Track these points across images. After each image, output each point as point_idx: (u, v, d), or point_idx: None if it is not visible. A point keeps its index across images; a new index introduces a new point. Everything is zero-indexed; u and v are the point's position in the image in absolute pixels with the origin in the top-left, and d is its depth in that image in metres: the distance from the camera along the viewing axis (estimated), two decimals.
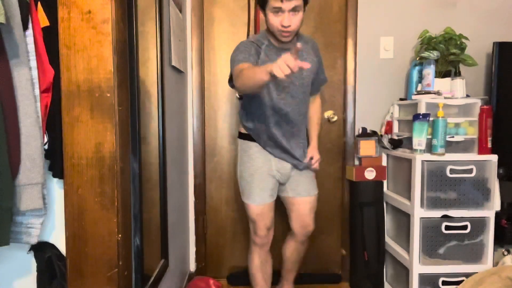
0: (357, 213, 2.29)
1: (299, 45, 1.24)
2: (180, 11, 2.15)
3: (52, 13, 1.12)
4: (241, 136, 1.88)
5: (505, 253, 2.10)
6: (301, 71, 1.74)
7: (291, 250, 1.99)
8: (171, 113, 1.93)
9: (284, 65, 1.22)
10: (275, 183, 1.84)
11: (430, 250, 1.93)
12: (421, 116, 1.92)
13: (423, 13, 2.41)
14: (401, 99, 2.30)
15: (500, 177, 1.98)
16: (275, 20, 1.59)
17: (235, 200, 2.49)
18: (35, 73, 1.10)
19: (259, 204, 1.80)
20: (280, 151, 1.81)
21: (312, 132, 1.97)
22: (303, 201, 1.88)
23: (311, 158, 1.88)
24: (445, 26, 2.26)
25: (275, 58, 1.68)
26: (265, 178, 1.80)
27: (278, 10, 1.56)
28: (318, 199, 2.50)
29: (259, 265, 1.90)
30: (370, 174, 2.25)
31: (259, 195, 1.80)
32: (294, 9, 1.55)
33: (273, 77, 1.30)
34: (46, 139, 1.17)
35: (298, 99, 1.78)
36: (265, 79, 1.34)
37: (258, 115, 1.78)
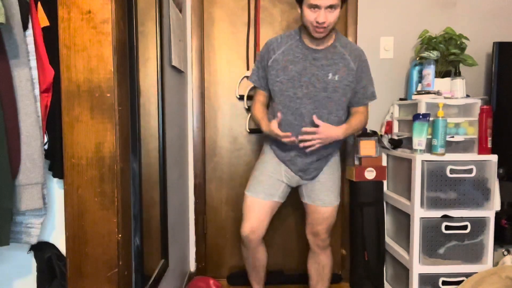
0: (357, 213, 2.29)
1: (294, 138, 1.61)
2: (180, 11, 2.15)
3: (52, 13, 1.12)
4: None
5: (505, 253, 2.10)
6: (326, 74, 1.68)
7: (309, 264, 1.99)
8: (171, 113, 1.93)
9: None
10: (277, 184, 1.82)
11: (430, 250, 1.93)
12: (421, 116, 1.92)
13: (423, 13, 2.41)
14: (401, 99, 2.30)
15: (500, 177, 1.98)
16: (311, 16, 1.58)
17: (235, 200, 2.49)
18: (35, 73, 1.10)
19: (250, 195, 1.81)
20: (285, 155, 1.78)
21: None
22: (317, 210, 1.84)
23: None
24: (445, 26, 2.26)
25: (299, 56, 1.69)
26: (267, 174, 1.82)
27: (314, 6, 1.55)
28: None
29: (246, 257, 1.97)
30: (370, 174, 2.25)
31: (253, 187, 1.82)
32: (331, 7, 1.55)
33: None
34: (46, 139, 1.17)
35: (318, 103, 1.69)
36: (264, 130, 1.73)
37: (276, 112, 1.74)
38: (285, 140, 1.63)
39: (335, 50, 1.71)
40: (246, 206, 1.84)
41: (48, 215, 1.25)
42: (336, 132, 1.66)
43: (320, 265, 1.95)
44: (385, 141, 2.25)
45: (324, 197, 1.82)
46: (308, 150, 1.68)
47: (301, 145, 1.65)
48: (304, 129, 1.63)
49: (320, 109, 1.71)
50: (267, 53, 1.75)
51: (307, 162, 1.77)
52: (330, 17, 1.56)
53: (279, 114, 1.65)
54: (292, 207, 2.44)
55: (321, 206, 1.82)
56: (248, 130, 2.45)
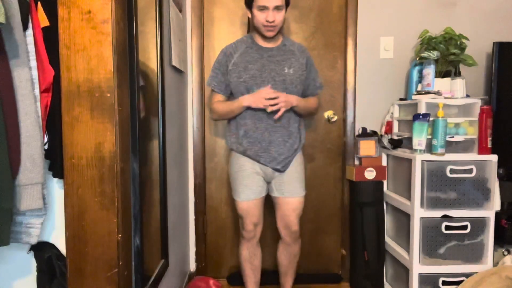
0: (357, 213, 2.29)
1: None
2: (180, 11, 2.15)
3: (52, 13, 1.12)
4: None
5: (505, 253, 2.10)
6: (282, 68, 1.85)
7: (280, 253, 2.04)
8: (171, 113, 1.93)
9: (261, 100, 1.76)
10: (260, 180, 1.90)
11: (430, 250, 1.93)
12: (421, 116, 1.92)
13: (423, 13, 2.41)
14: (401, 99, 2.30)
15: (500, 177, 1.98)
16: (261, 17, 1.78)
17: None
18: (35, 73, 1.10)
19: (243, 200, 1.89)
20: (259, 149, 1.86)
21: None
22: (286, 201, 1.92)
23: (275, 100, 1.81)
24: (445, 26, 2.26)
25: (256, 56, 1.86)
26: (248, 175, 1.89)
27: (263, 8, 1.76)
28: (318, 199, 2.52)
29: (248, 257, 2.00)
30: (370, 174, 2.25)
31: (243, 192, 1.89)
32: (277, 8, 1.76)
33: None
34: (46, 139, 1.17)
35: None
36: (243, 106, 1.82)
37: (238, 120, 1.88)
38: (265, 95, 1.75)
39: (285, 48, 1.91)
40: (242, 209, 1.91)
41: (48, 215, 1.25)
42: (292, 97, 1.84)
43: (292, 255, 2.02)
44: (385, 141, 2.25)
45: (292, 189, 1.91)
46: (276, 116, 1.79)
47: (269, 109, 1.77)
48: (269, 94, 1.76)
49: None
50: (226, 59, 1.89)
51: (280, 148, 1.87)
52: (277, 17, 1.78)
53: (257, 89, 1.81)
54: None
55: (289, 196, 1.91)
56: None
